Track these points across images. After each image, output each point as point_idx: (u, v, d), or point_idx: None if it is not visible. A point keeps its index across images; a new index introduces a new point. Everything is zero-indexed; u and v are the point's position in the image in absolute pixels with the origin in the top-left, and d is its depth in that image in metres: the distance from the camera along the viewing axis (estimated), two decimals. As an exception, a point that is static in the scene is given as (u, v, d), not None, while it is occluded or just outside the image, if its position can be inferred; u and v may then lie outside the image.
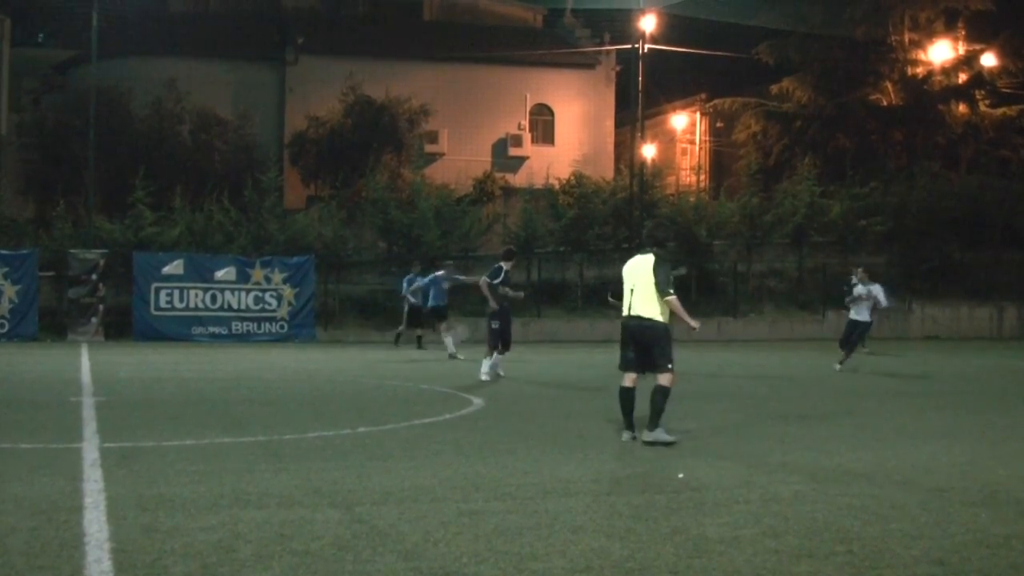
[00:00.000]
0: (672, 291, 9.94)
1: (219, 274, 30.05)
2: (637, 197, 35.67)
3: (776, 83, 49.11)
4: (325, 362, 22.32)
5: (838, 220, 36.56)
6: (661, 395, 10.06)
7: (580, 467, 9.02)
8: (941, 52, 50.33)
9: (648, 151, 45.04)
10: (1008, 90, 50.59)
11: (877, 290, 20.51)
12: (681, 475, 8.64)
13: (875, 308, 20.74)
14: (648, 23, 35.66)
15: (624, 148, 49.23)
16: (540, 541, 6.37)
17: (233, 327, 30.07)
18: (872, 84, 49.60)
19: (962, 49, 51.22)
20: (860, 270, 20.94)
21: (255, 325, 30.25)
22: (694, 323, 10.33)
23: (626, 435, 10.34)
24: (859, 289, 20.40)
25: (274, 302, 30.42)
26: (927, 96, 49.39)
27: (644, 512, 7.28)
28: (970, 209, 39.26)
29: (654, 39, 37.52)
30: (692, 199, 39.44)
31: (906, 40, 49.77)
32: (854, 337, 20.48)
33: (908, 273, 36.38)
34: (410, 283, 25.75)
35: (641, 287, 10.13)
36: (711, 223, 36.06)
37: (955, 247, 38.03)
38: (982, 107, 50.60)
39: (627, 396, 10.37)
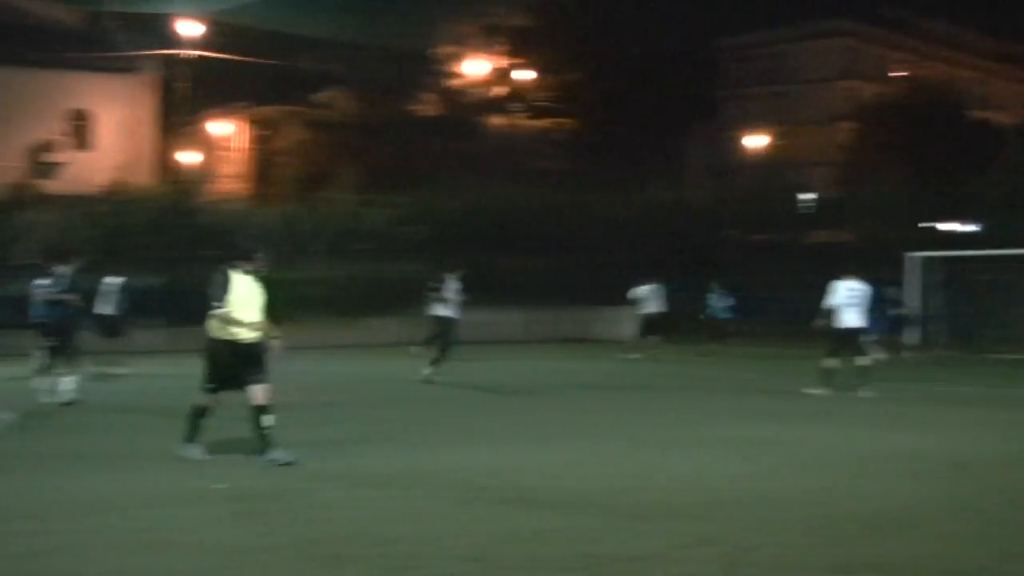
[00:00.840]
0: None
1: None
2: (179, 205, 36.29)
3: (320, 92, 52.10)
4: None
5: (378, 228, 38.86)
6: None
7: (114, 483, 9.15)
8: (480, 65, 55.01)
9: (191, 158, 45.84)
10: (544, 103, 55.60)
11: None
12: (223, 486, 8.92)
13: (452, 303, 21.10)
14: (193, 29, 37.50)
15: (167, 155, 49.22)
16: (65, 560, 6.50)
17: None
18: (413, 95, 53.11)
19: (501, 63, 57.11)
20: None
21: None
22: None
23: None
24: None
25: None
26: (466, 108, 53.26)
27: (181, 524, 7.48)
28: (506, 218, 43.88)
29: (199, 45, 39.77)
30: (234, 207, 40.55)
31: (447, 53, 53.25)
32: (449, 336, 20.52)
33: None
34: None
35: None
36: (253, 231, 35.89)
37: (492, 254, 39.67)
38: (519, 119, 56.99)
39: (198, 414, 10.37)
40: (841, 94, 71.66)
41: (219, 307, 9.88)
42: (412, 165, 50.51)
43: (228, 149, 56.11)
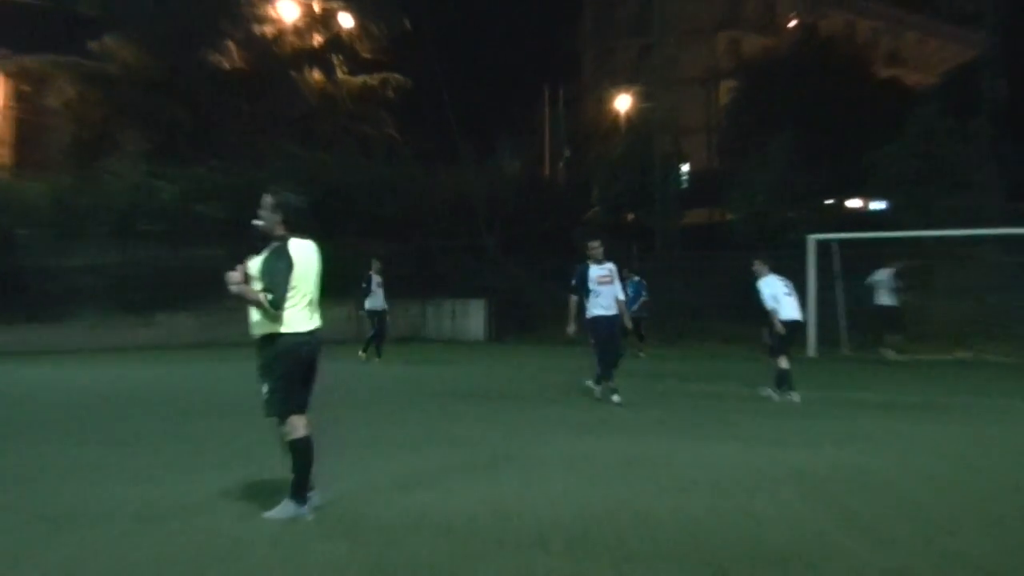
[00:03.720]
0: (275, 295, 9.06)
1: None
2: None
3: (97, 39, 50.34)
4: None
5: (171, 205, 38.57)
6: (293, 450, 9.27)
7: None
8: (293, 9, 55.60)
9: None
10: (368, 55, 55.21)
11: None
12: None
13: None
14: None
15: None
16: None
17: None
18: (212, 44, 51.80)
19: (317, 6, 57.29)
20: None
21: None
22: None
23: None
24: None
25: None
26: (277, 60, 52.69)
27: None
28: (327, 192, 44.13)
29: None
30: (-6, 178, 39.37)
31: (253, -7, 54.64)
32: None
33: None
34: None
35: (317, 288, 9.46)
36: (15, 208, 36.95)
37: (311, 237, 42.30)
38: (340, 74, 56.84)
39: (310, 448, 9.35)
40: (722, 48, 73.20)
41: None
42: (211, 129, 49.93)
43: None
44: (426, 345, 37.41)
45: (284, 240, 9.25)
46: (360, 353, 28.08)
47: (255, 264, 9.18)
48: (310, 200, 9.83)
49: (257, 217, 9.33)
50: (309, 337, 9.25)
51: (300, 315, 9.21)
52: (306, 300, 9.28)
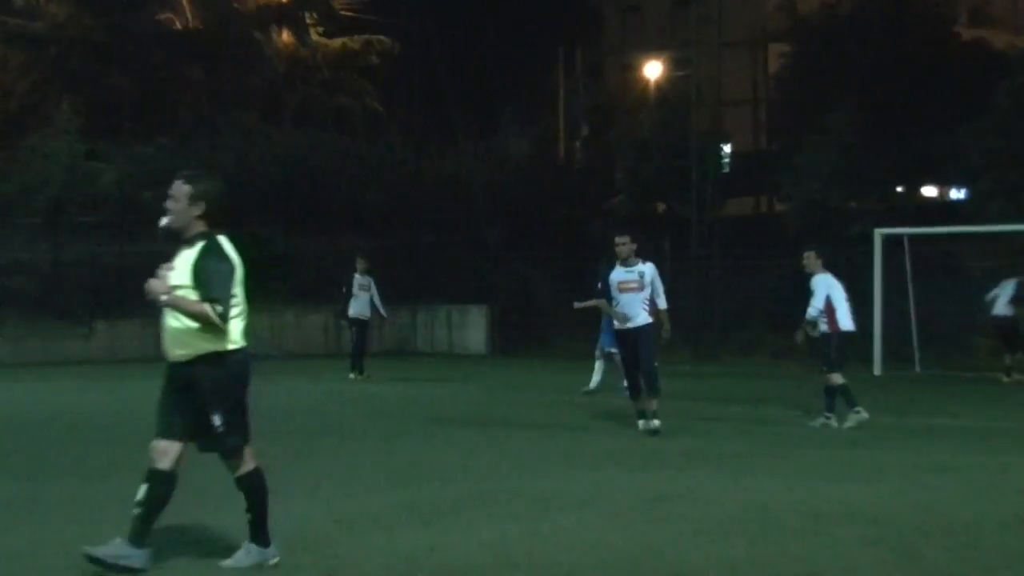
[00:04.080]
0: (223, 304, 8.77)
1: None
2: None
3: None
4: None
5: (112, 191, 38.63)
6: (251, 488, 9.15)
7: None
8: None
9: None
10: (348, 13, 54.96)
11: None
12: None
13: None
14: None
15: None
16: None
17: None
18: (162, 0, 52.15)
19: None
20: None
21: None
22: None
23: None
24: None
25: None
26: (239, 18, 52.71)
27: None
28: (300, 177, 42.71)
29: None
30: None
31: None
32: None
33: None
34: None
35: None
36: None
37: (279, 231, 40.84)
38: (314, 35, 56.56)
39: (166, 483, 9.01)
40: (772, 4, 72.98)
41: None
42: (162, 100, 49.79)
43: None
44: (417, 360, 37.56)
45: (209, 237, 8.98)
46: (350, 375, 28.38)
47: (182, 268, 8.92)
48: (226, 185, 9.53)
49: (164, 212, 9.06)
50: (249, 353, 9.14)
51: (240, 327, 9.05)
52: (245, 310, 9.10)
